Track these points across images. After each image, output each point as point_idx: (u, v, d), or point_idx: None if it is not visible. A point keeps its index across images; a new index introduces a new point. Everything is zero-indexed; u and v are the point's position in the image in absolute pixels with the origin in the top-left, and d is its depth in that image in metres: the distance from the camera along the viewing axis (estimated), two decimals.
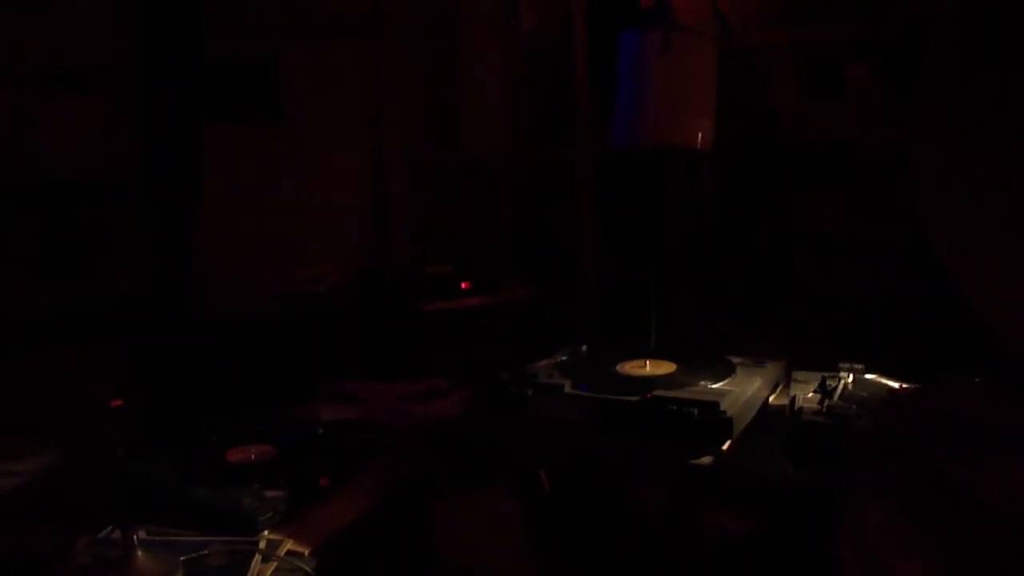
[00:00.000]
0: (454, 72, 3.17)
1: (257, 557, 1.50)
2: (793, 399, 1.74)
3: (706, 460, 1.60)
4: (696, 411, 1.63)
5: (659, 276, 2.43)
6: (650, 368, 1.93)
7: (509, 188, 3.11)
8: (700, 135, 2.17)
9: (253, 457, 1.81)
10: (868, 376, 1.91)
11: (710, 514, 1.70)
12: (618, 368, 1.94)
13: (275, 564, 1.50)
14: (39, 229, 2.37)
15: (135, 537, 1.45)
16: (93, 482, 1.71)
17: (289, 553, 1.53)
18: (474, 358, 2.43)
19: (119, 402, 1.40)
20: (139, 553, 1.45)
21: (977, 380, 1.64)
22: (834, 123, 2.73)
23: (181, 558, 1.48)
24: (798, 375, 1.95)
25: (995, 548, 1.09)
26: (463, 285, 2.70)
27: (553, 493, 1.85)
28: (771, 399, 1.91)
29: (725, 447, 1.62)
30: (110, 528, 1.57)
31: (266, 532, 1.58)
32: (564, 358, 2.04)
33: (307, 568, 1.50)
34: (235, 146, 2.73)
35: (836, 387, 1.80)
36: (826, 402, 1.71)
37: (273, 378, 2.28)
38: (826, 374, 1.87)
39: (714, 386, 1.79)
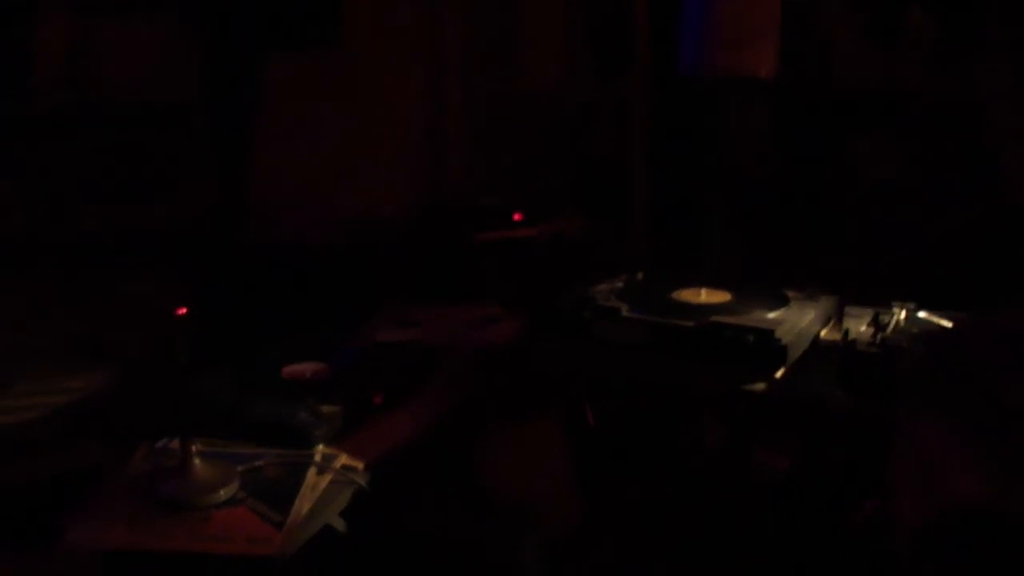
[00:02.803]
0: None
1: (312, 469, 1.53)
2: (846, 331, 1.74)
3: (759, 387, 1.60)
4: (752, 338, 1.63)
5: (714, 210, 2.42)
6: (705, 296, 1.93)
7: (564, 119, 3.09)
8: (765, 63, 2.16)
9: (308, 375, 1.84)
10: (920, 314, 1.90)
11: (761, 448, 1.71)
12: (674, 295, 1.94)
13: (330, 476, 1.52)
14: (101, 154, 2.38)
15: (192, 448, 1.47)
16: (152, 394, 1.73)
17: (344, 467, 1.55)
18: (528, 287, 2.43)
19: (184, 311, 1.42)
20: (196, 462, 1.47)
21: None
22: (890, 67, 2.71)
23: (238, 468, 1.50)
24: (851, 310, 1.94)
25: None
26: (517, 216, 2.70)
27: (599, 425, 1.86)
28: (823, 334, 1.91)
29: (778, 375, 1.62)
30: (167, 439, 1.59)
31: (321, 446, 1.60)
32: (620, 284, 2.04)
33: (361, 481, 1.52)
34: (294, 73, 2.72)
35: (889, 322, 1.80)
36: (879, 335, 1.71)
37: (331, 301, 2.30)
38: (879, 310, 1.86)
39: (769, 315, 1.79)
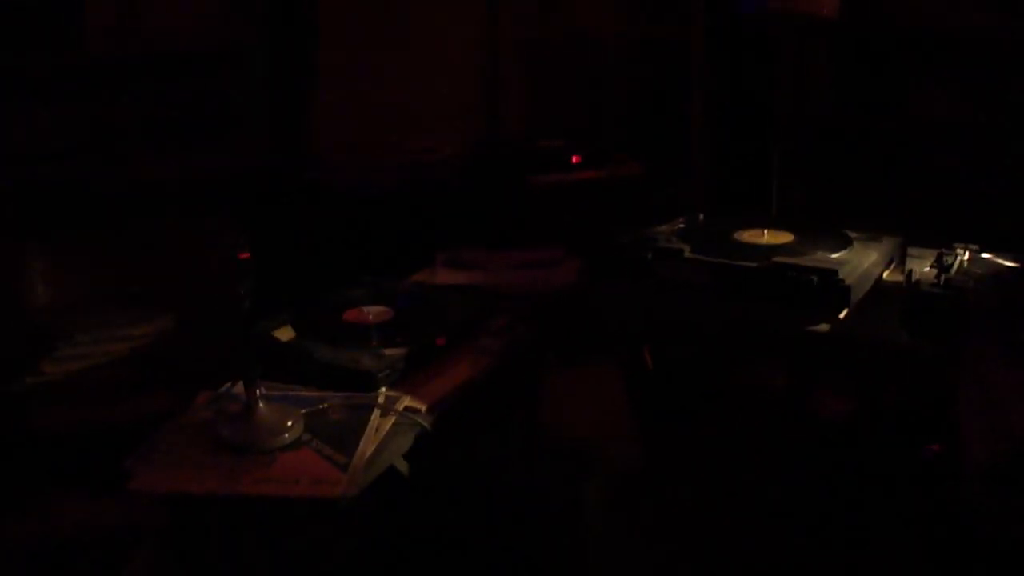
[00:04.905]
0: None
1: (376, 411, 1.53)
2: (910, 272, 1.72)
3: (822, 328, 1.59)
4: (815, 278, 1.62)
5: (775, 150, 2.40)
6: (768, 237, 1.91)
7: (620, 63, 3.08)
8: (828, 1, 2.13)
9: (371, 318, 1.84)
10: (984, 256, 1.88)
11: (823, 390, 1.70)
12: (736, 236, 1.92)
13: (393, 419, 1.53)
14: (159, 101, 2.39)
15: (257, 391, 1.48)
16: (214, 339, 1.74)
17: (407, 409, 1.55)
18: (586, 230, 2.42)
19: (246, 255, 1.42)
20: (261, 406, 1.48)
21: None
22: (952, 5, 2.66)
23: (302, 411, 1.51)
24: (913, 251, 1.92)
25: None
26: (575, 159, 2.69)
27: (659, 368, 1.85)
28: (885, 275, 1.89)
29: (842, 316, 1.61)
30: (230, 384, 1.60)
31: (384, 389, 1.61)
32: (682, 225, 2.03)
33: (425, 423, 1.52)
34: (350, 17, 2.72)
35: (952, 263, 1.77)
36: (943, 276, 1.69)
37: (391, 244, 2.31)
38: (942, 250, 1.84)
39: (832, 256, 1.77)
